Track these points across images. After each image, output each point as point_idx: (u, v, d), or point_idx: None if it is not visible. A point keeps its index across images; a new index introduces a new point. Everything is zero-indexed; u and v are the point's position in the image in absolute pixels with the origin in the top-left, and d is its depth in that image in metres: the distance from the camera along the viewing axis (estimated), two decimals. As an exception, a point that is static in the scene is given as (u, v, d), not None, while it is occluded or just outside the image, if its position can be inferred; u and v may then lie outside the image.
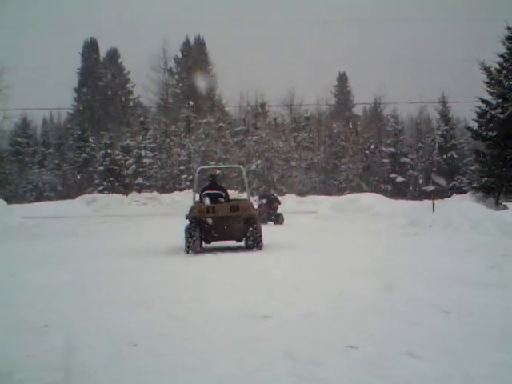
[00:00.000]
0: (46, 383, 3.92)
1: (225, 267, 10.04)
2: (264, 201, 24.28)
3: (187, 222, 12.72)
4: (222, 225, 12.66)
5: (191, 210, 12.80)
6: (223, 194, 13.35)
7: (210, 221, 12.53)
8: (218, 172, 15.37)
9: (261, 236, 12.62)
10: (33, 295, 7.28)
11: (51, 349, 4.73)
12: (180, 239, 12.76)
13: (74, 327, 5.47)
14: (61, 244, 15.50)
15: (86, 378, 4.05)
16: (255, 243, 12.56)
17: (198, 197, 13.65)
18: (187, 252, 12.24)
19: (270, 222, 23.51)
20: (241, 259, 11.15)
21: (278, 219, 23.78)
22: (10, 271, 9.47)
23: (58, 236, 18.11)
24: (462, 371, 4.08)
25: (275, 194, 27.29)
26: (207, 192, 13.21)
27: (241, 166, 17.78)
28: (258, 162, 53.02)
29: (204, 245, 13.45)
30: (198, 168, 15.50)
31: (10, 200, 36.67)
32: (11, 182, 55.96)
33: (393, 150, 50.86)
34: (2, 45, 62.05)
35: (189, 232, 12.35)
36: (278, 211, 24.41)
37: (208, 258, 11.59)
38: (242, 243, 13.24)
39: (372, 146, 54.40)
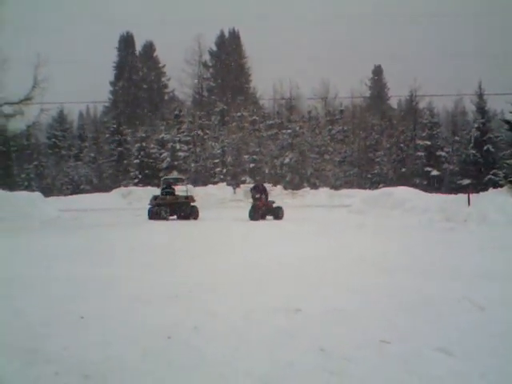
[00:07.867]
0: (81, 375, 3.98)
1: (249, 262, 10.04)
2: (258, 195, 22.35)
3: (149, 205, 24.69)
4: (179, 206, 24.09)
5: (155, 198, 24.68)
6: (172, 191, 24.82)
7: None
8: (171, 180, 27.50)
9: (198, 213, 24.00)
10: (70, 288, 7.40)
11: (87, 341, 4.82)
12: (215, 235, 15.80)
13: (109, 320, 5.55)
14: (97, 237, 15.71)
15: (122, 370, 4.10)
16: (196, 217, 23.80)
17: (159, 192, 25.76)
18: (151, 219, 23.47)
19: (268, 217, 22.20)
20: (268, 253, 11.16)
21: (278, 214, 22.23)
22: (48, 264, 9.64)
23: (95, 229, 18.35)
24: (496, 368, 4.05)
25: (266, 185, 25.24)
26: (165, 190, 24.69)
27: (183, 177, 32.90)
28: (292, 155, 52.91)
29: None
30: (163, 178, 27.76)
31: (46, 193, 37.28)
32: (48, 175, 56.79)
33: (428, 143, 50.08)
34: (39, 38, 62.87)
35: (156, 209, 23.75)
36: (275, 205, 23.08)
37: (240, 256, 11.64)
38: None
39: (407, 139, 53.77)
